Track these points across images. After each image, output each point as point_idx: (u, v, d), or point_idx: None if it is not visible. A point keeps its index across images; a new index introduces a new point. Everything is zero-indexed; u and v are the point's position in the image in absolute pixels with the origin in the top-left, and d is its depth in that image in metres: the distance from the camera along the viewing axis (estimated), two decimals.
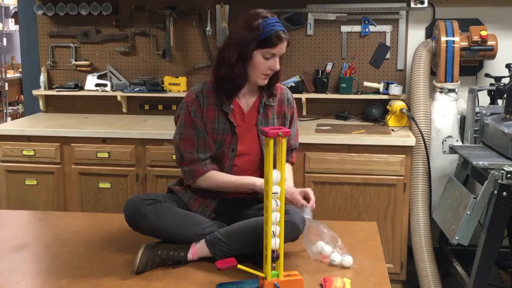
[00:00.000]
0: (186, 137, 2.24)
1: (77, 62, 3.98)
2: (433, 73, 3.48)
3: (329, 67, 3.72)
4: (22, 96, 6.57)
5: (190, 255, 2.09)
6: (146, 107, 3.95)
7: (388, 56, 3.69)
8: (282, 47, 2.14)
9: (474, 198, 2.66)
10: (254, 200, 2.29)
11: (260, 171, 2.28)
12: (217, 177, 2.23)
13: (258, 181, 2.17)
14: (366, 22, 3.66)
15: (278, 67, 2.17)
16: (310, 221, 2.13)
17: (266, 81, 2.21)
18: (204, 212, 2.25)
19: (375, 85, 3.62)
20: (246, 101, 2.28)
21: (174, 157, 2.48)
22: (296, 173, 2.40)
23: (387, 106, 3.55)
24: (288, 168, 2.41)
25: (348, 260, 2.08)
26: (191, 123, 2.23)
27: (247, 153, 2.25)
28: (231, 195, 2.28)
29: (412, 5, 3.50)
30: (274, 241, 1.84)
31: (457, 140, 3.17)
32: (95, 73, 3.95)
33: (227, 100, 2.23)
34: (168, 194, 2.32)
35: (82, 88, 3.97)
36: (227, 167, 2.25)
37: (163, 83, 3.86)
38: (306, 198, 2.17)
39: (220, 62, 2.20)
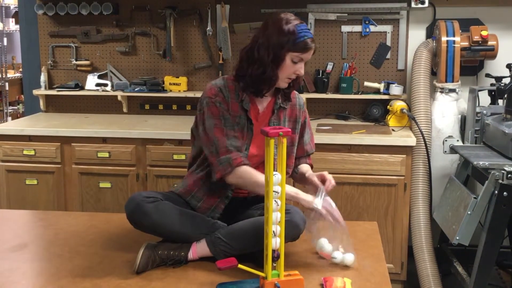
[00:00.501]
0: (216, 126, 2.16)
1: (78, 62, 3.98)
2: (433, 73, 3.48)
3: (329, 67, 3.72)
4: (22, 96, 6.57)
5: (191, 255, 2.09)
6: (147, 107, 3.95)
7: (388, 56, 3.69)
8: (310, 53, 2.16)
9: (474, 198, 2.66)
10: (256, 200, 2.29)
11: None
12: (256, 174, 2.09)
13: (301, 193, 2.11)
14: (367, 22, 3.66)
15: (303, 72, 2.18)
16: (327, 203, 2.09)
17: (287, 85, 2.22)
18: (213, 214, 2.24)
19: (375, 85, 3.62)
20: (261, 101, 2.29)
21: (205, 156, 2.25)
22: None
23: (388, 106, 3.55)
24: (306, 166, 2.40)
25: (349, 258, 2.07)
26: (217, 113, 2.17)
27: (256, 154, 2.24)
28: (233, 194, 2.27)
29: (413, 5, 3.50)
30: (275, 241, 1.84)
31: (457, 140, 3.17)
32: (95, 73, 3.95)
33: (246, 98, 2.23)
34: (170, 193, 2.31)
35: (82, 88, 3.97)
36: None
37: (163, 83, 3.86)
38: (323, 180, 2.18)
39: (248, 61, 2.18)
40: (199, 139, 2.23)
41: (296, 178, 2.39)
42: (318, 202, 2.06)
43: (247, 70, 2.19)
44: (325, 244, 2.13)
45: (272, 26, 2.16)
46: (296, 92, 2.40)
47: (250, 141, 2.23)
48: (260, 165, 2.25)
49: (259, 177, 2.07)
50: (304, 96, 3.63)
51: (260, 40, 2.16)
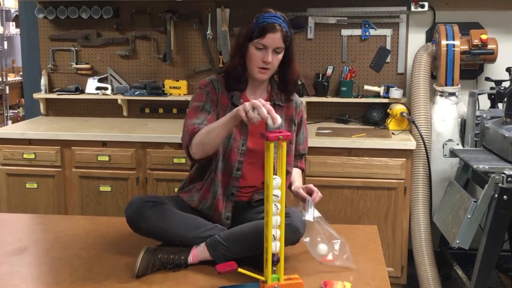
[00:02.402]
0: (192, 109, 2.21)
1: (78, 66, 3.99)
2: (433, 76, 3.48)
3: (329, 71, 3.72)
4: (22, 100, 6.57)
5: (191, 259, 2.08)
6: (147, 110, 3.95)
7: (388, 59, 3.70)
8: (272, 38, 2.15)
9: (474, 201, 2.66)
10: (259, 204, 2.29)
11: (263, 173, 2.27)
12: (206, 127, 2.09)
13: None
14: (367, 25, 3.67)
15: (269, 59, 2.16)
16: (312, 215, 2.11)
17: (264, 75, 2.21)
18: (224, 217, 2.25)
19: (375, 88, 3.63)
20: (255, 99, 2.29)
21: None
22: None
23: (388, 110, 3.56)
24: (297, 173, 2.42)
25: (322, 248, 2.08)
26: (201, 99, 2.22)
27: (254, 150, 2.25)
28: (236, 198, 2.27)
29: (413, 8, 3.50)
30: (275, 245, 1.83)
31: (457, 144, 3.17)
32: (95, 77, 3.96)
33: (236, 94, 2.26)
34: (171, 196, 2.32)
35: (82, 92, 3.98)
36: (237, 163, 2.24)
37: (163, 87, 3.86)
38: (309, 192, 2.19)
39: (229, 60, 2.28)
40: None
41: None
42: (309, 214, 2.09)
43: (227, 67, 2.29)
44: (321, 247, 2.12)
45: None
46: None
47: (246, 136, 2.24)
48: (258, 162, 2.25)
49: (209, 125, 2.07)
50: (304, 100, 3.65)
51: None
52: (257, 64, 2.18)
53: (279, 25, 2.16)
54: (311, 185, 2.21)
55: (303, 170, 2.48)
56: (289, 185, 2.34)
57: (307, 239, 2.12)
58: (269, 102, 1.94)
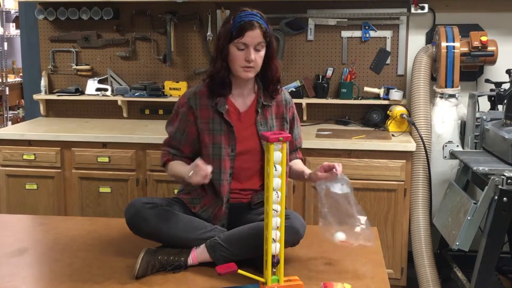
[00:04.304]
0: (168, 130, 2.36)
1: (78, 67, 3.99)
2: (433, 78, 3.48)
3: (329, 72, 3.72)
4: (22, 101, 6.58)
5: (191, 260, 2.08)
6: (147, 111, 3.95)
7: (388, 61, 3.70)
8: (251, 36, 2.15)
9: (474, 203, 2.66)
10: (258, 205, 2.29)
11: (259, 176, 2.28)
12: (171, 166, 2.29)
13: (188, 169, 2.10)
14: (367, 27, 3.67)
15: (252, 57, 2.16)
16: (347, 189, 2.08)
17: (249, 74, 2.20)
18: (220, 223, 2.25)
19: (375, 90, 3.63)
20: (243, 100, 2.29)
21: None
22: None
23: (388, 112, 3.56)
24: (301, 163, 2.42)
25: (340, 236, 2.05)
26: (174, 123, 2.32)
27: (246, 152, 2.25)
28: (234, 200, 2.27)
29: (413, 10, 3.51)
30: (275, 246, 1.84)
31: (457, 146, 3.17)
32: (95, 78, 3.96)
33: (221, 101, 2.25)
34: (171, 199, 2.32)
35: (82, 93, 3.98)
36: (230, 169, 2.24)
37: (163, 88, 3.86)
38: (329, 169, 2.13)
39: (210, 63, 2.30)
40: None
41: (291, 175, 2.39)
42: (337, 187, 2.07)
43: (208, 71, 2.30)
44: (339, 235, 2.08)
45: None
46: (281, 88, 2.38)
47: (234, 142, 2.23)
48: (252, 164, 2.25)
49: (174, 168, 2.26)
50: (304, 101, 3.67)
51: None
52: (241, 64, 2.18)
53: (256, 22, 2.16)
54: (325, 163, 2.15)
55: (303, 160, 2.48)
56: (299, 173, 2.32)
57: (326, 218, 2.06)
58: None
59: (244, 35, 2.13)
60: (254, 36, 2.14)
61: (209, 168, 2.00)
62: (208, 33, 3.77)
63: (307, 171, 2.29)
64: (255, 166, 2.27)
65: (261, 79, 2.29)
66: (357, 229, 2.05)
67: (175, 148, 2.32)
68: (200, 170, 1.99)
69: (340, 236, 2.08)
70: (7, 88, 6.86)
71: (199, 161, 2.02)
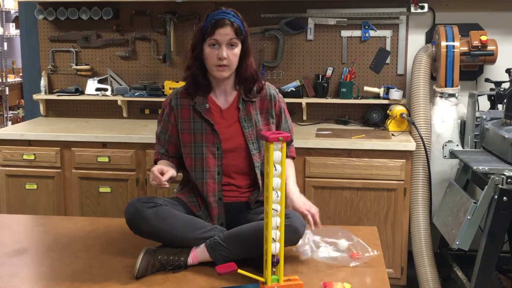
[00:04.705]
0: (157, 128, 2.40)
1: (78, 67, 3.99)
2: (433, 78, 3.48)
3: (329, 72, 3.72)
4: (22, 101, 6.58)
5: (190, 260, 2.08)
6: (147, 111, 3.95)
7: (388, 61, 3.70)
8: (222, 33, 2.16)
9: (474, 203, 2.66)
10: (258, 204, 2.29)
11: (249, 172, 2.28)
12: (159, 163, 2.30)
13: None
14: (366, 27, 3.67)
15: (224, 54, 2.17)
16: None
17: (223, 73, 2.21)
18: (206, 216, 2.26)
19: (375, 89, 3.63)
20: (225, 98, 2.30)
21: None
22: (296, 177, 2.40)
23: (387, 111, 3.56)
24: (290, 165, 2.40)
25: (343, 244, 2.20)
26: (160, 123, 2.38)
27: (232, 149, 2.25)
28: (232, 199, 2.28)
29: (412, 10, 3.51)
30: (274, 246, 1.84)
31: (457, 145, 3.17)
32: (95, 78, 3.96)
33: (200, 99, 2.26)
34: (171, 198, 2.32)
35: (82, 93, 3.98)
36: (217, 167, 2.25)
37: (163, 88, 3.86)
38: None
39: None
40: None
41: None
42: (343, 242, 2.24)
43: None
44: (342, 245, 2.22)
45: None
46: (267, 83, 2.38)
47: (219, 140, 2.24)
48: (238, 161, 2.26)
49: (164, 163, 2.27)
50: (304, 101, 3.67)
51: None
52: (214, 62, 2.19)
53: (228, 19, 2.17)
54: (298, 208, 2.20)
55: (293, 158, 2.47)
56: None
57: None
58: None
59: (215, 32, 2.16)
60: (225, 33, 2.16)
61: (164, 177, 2.07)
62: None
63: (289, 186, 2.28)
64: (242, 163, 2.27)
65: (237, 76, 2.29)
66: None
67: (163, 148, 2.36)
68: (155, 178, 2.08)
69: (344, 243, 2.20)
70: (7, 88, 6.87)
71: (154, 169, 2.09)
